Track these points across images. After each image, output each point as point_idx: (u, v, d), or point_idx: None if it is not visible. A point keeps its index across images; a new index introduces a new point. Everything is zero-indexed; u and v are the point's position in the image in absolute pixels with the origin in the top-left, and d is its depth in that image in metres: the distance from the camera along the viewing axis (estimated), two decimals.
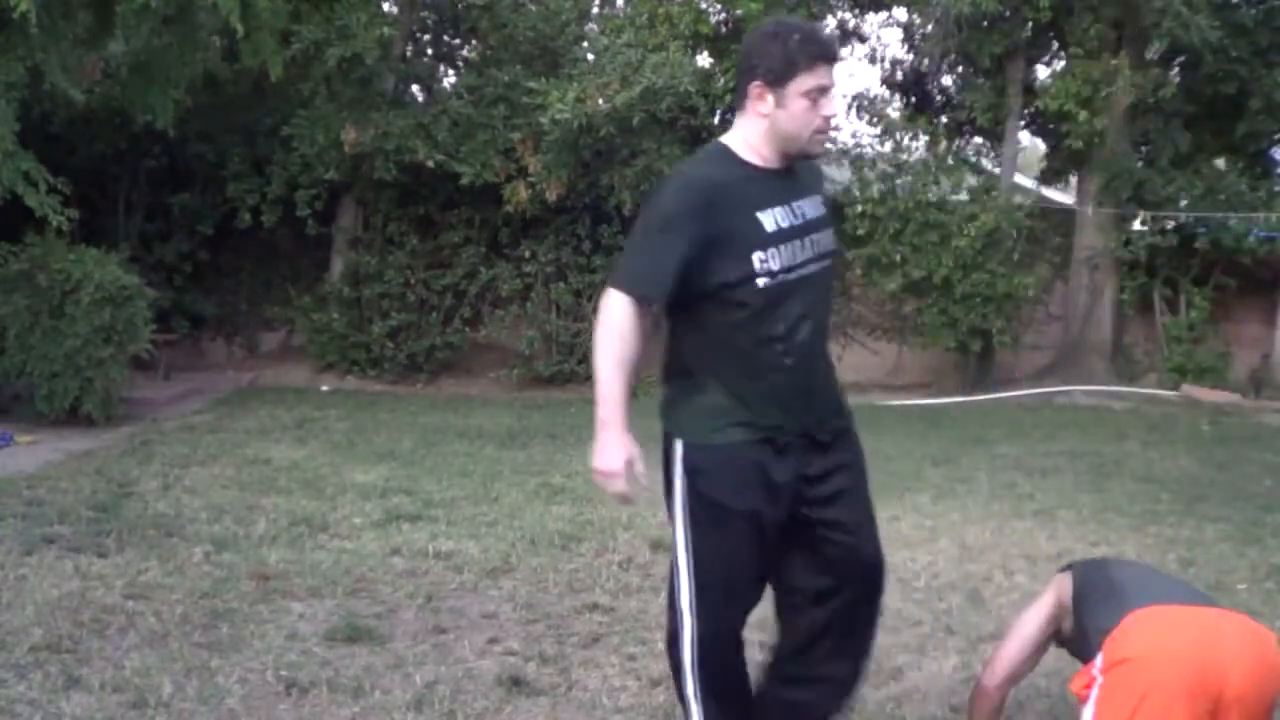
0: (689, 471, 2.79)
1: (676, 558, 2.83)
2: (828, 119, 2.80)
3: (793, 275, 2.80)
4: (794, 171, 2.89)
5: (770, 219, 2.79)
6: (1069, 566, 3.26)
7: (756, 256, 2.75)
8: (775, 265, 2.77)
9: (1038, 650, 3.25)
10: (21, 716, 3.48)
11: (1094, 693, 2.74)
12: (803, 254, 2.82)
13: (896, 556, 5.81)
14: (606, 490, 2.74)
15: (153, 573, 5.02)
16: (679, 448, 2.82)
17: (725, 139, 2.86)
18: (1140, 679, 2.66)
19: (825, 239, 2.92)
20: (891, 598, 5.09)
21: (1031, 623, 3.20)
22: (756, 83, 2.76)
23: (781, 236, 2.80)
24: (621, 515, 6.26)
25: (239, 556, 5.35)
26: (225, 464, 7.74)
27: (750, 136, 2.81)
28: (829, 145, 14.95)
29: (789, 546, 2.91)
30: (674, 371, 2.88)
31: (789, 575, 2.97)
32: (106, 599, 4.61)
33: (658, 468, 2.89)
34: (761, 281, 2.76)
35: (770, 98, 2.76)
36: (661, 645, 4.34)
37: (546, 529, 6.09)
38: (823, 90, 2.76)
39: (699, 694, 2.83)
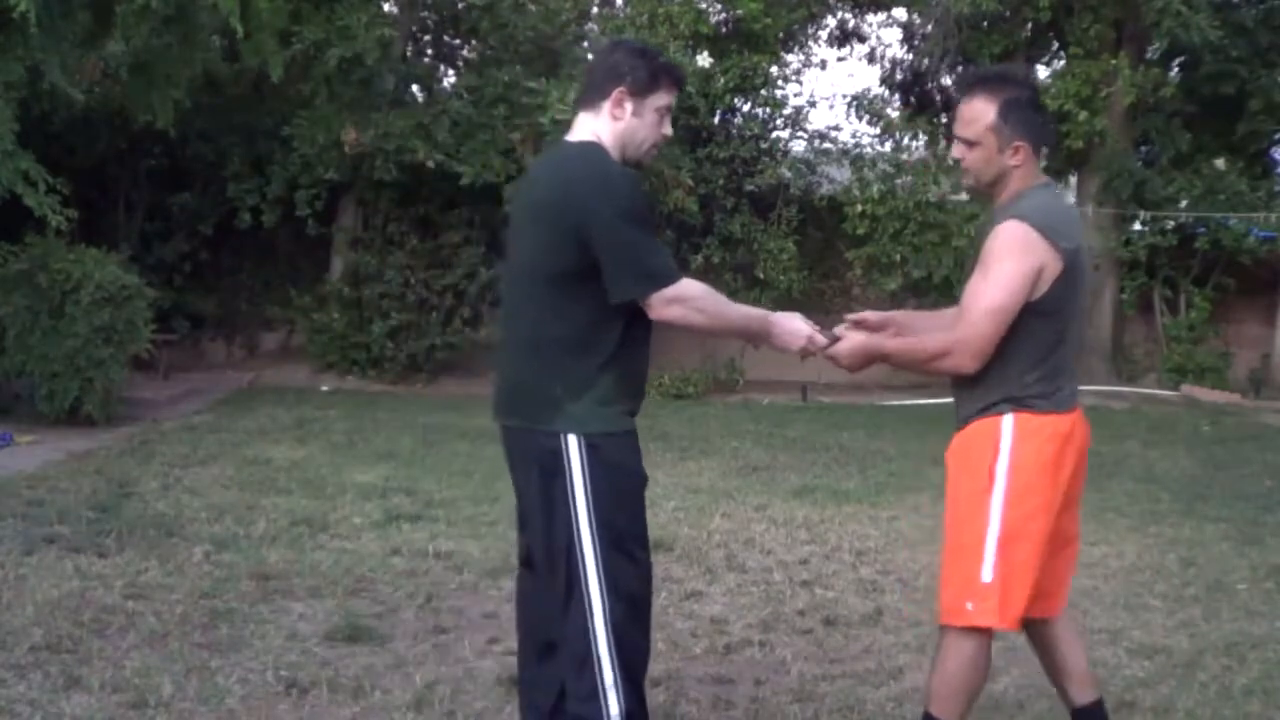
0: (589, 450, 2.87)
1: (580, 548, 2.87)
2: (666, 137, 3.09)
3: None
4: None
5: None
6: None
7: None
8: None
9: None
10: (21, 716, 3.48)
11: None
12: None
13: (897, 556, 5.83)
14: (802, 344, 3.04)
15: (153, 573, 5.02)
16: (571, 441, 2.87)
17: (590, 138, 2.98)
18: None
19: None
20: (891, 597, 5.11)
21: None
22: (622, 89, 2.96)
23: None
24: None
25: (239, 556, 5.35)
26: (225, 464, 7.74)
27: (604, 135, 2.98)
28: (830, 146, 15.09)
29: None
30: (556, 366, 2.88)
31: None
32: (106, 599, 4.61)
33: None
34: None
35: (629, 105, 2.98)
36: (661, 645, 4.36)
37: None
38: (669, 110, 3.05)
39: (619, 680, 2.85)
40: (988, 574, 2.93)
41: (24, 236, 9.67)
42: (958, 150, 3.11)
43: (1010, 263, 2.91)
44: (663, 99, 3.01)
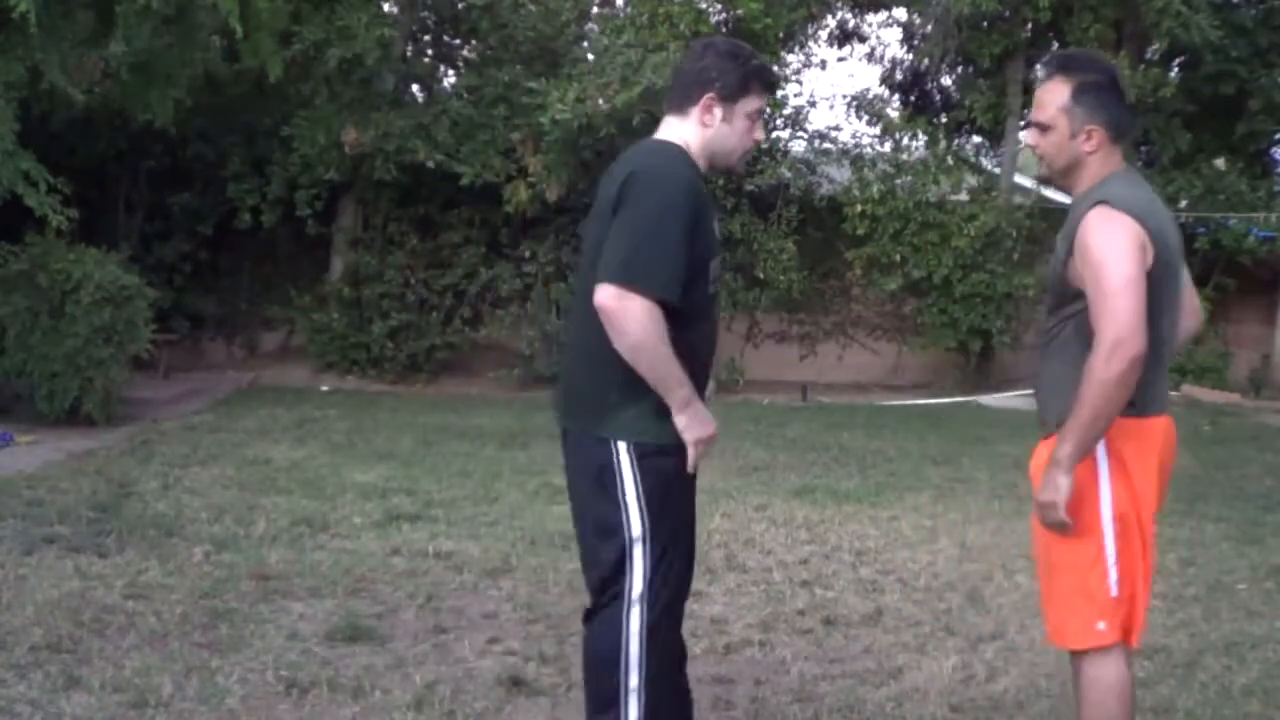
0: (640, 459, 2.82)
1: (629, 557, 2.83)
2: (757, 142, 2.99)
3: (714, 286, 2.94)
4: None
5: (715, 228, 2.96)
6: None
7: (713, 264, 2.88)
8: (714, 274, 2.90)
9: None
10: (21, 716, 3.48)
11: None
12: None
13: (897, 556, 5.83)
14: (705, 454, 2.87)
15: (153, 573, 5.01)
16: (622, 449, 2.82)
17: (674, 139, 2.90)
18: None
19: None
20: (891, 597, 5.11)
21: None
22: (711, 94, 2.87)
23: (719, 246, 2.98)
24: None
25: (239, 556, 5.35)
26: (225, 464, 7.74)
27: (692, 143, 2.89)
28: (830, 146, 15.10)
29: None
30: (612, 372, 2.81)
31: None
32: (106, 599, 4.60)
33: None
34: (711, 289, 2.90)
35: (719, 111, 2.88)
36: None
37: (546, 529, 6.09)
38: (761, 114, 2.96)
39: (643, 685, 2.83)
40: (1114, 588, 2.76)
41: (24, 236, 9.67)
42: (1031, 136, 2.97)
43: (1114, 239, 2.70)
44: (754, 103, 2.91)
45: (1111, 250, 2.69)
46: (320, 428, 9.70)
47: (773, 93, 3.02)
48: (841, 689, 3.98)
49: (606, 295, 2.69)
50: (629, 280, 2.68)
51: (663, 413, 2.81)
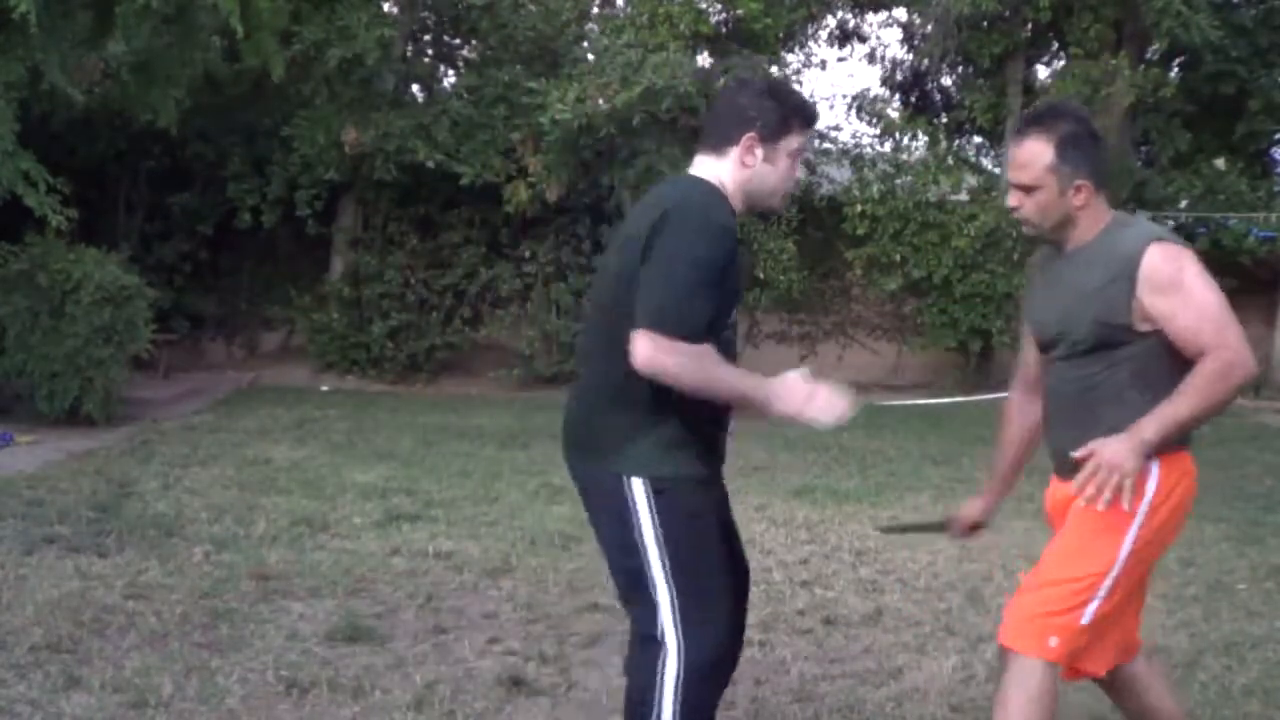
0: (655, 495, 2.71)
1: (655, 596, 2.73)
2: (797, 181, 2.94)
3: (734, 317, 2.87)
4: None
5: (740, 275, 2.89)
6: None
7: (735, 309, 2.84)
8: (731, 319, 2.83)
9: None
10: (21, 716, 3.48)
11: None
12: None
13: (897, 556, 5.83)
14: (820, 414, 2.65)
15: (153, 573, 5.01)
16: (636, 485, 2.72)
17: (711, 178, 2.80)
18: None
19: None
20: (891, 597, 5.11)
21: None
22: (752, 134, 2.78)
23: (741, 291, 2.93)
24: None
25: (239, 556, 5.35)
26: (225, 464, 7.74)
27: (728, 183, 2.81)
28: (830, 146, 15.10)
29: None
30: (622, 402, 2.74)
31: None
32: (106, 599, 4.60)
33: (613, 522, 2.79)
34: (726, 334, 2.81)
35: (760, 151, 2.79)
36: None
37: (546, 529, 6.09)
38: (802, 151, 2.88)
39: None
40: (1088, 617, 2.71)
41: (24, 236, 9.67)
42: (1014, 198, 2.84)
43: (1198, 269, 2.71)
44: (795, 141, 2.82)
45: (1201, 280, 2.70)
46: (320, 428, 9.70)
47: (812, 126, 2.89)
48: (841, 689, 3.98)
49: (646, 349, 2.58)
50: (666, 328, 2.58)
51: (676, 444, 2.72)
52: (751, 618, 4.79)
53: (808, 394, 2.65)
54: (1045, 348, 2.95)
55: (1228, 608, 5.13)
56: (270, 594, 4.81)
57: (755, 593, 5.11)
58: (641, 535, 2.71)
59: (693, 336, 2.59)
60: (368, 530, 6.02)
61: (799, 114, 2.84)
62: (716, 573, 2.83)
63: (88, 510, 6.12)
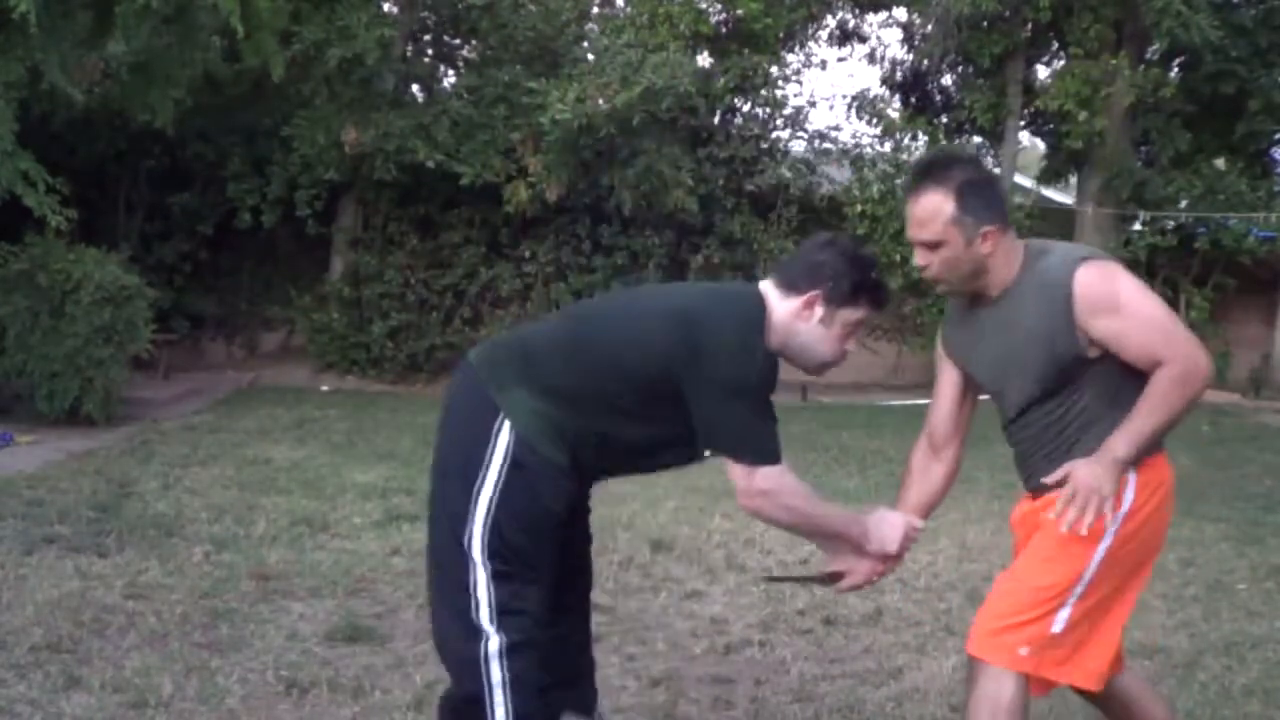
0: (517, 446, 2.68)
1: (470, 560, 2.69)
2: (846, 353, 2.94)
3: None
4: None
5: None
6: None
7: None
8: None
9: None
10: (21, 716, 3.48)
11: None
12: None
13: None
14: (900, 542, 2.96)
15: (153, 573, 5.01)
16: (508, 431, 2.69)
17: (761, 306, 2.83)
18: None
19: None
20: (891, 598, 5.11)
21: None
22: (818, 292, 2.81)
23: None
24: (621, 515, 6.27)
25: (239, 556, 5.35)
26: (225, 464, 7.74)
27: (778, 322, 2.81)
28: (830, 146, 15.09)
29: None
30: (550, 396, 2.72)
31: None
32: (106, 599, 4.60)
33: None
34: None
35: (819, 310, 2.82)
36: (661, 645, 4.36)
37: None
38: (859, 328, 2.90)
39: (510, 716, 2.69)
40: (1059, 625, 2.64)
41: (24, 236, 9.67)
42: (920, 257, 2.75)
43: (1128, 279, 2.67)
44: (856, 314, 2.85)
45: (1139, 292, 2.66)
46: (320, 428, 9.70)
47: (878, 310, 2.91)
48: (841, 689, 3.98)
49: (750, 494, 2.72)
50: (761, 459, 2.71)
51: (550, 432, 2.70)
52: (751, 618, 4.81)
53: (900, 528, 2.91)
54: (998, 400, 2.89)
55: (1228, 608, 5.13)
56: (270, 594, 4.81)
57: (755, 593, 5.13)
58: (485, 474, 2.68)
59: (776, 462, 2.74)
60: (368, 530, 6.02)
61: (870, 292, 2.86)
62: (535, 563, 2.76)
63: (88, 510, 6.12)
